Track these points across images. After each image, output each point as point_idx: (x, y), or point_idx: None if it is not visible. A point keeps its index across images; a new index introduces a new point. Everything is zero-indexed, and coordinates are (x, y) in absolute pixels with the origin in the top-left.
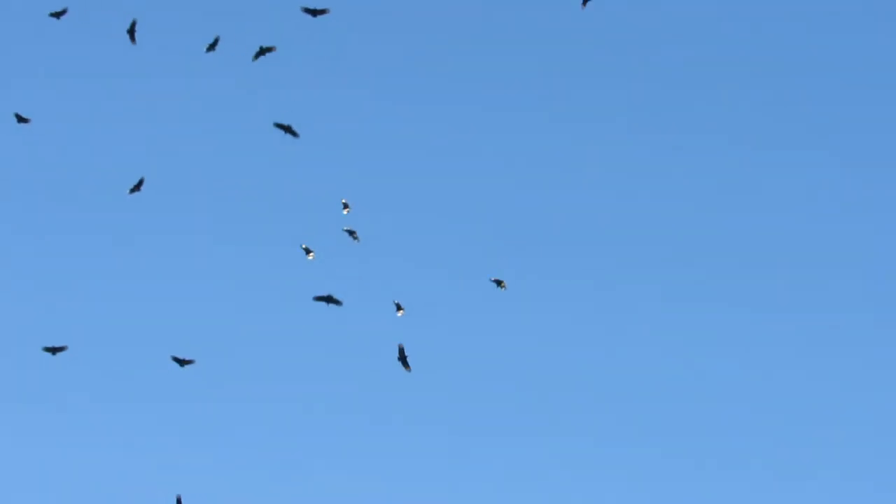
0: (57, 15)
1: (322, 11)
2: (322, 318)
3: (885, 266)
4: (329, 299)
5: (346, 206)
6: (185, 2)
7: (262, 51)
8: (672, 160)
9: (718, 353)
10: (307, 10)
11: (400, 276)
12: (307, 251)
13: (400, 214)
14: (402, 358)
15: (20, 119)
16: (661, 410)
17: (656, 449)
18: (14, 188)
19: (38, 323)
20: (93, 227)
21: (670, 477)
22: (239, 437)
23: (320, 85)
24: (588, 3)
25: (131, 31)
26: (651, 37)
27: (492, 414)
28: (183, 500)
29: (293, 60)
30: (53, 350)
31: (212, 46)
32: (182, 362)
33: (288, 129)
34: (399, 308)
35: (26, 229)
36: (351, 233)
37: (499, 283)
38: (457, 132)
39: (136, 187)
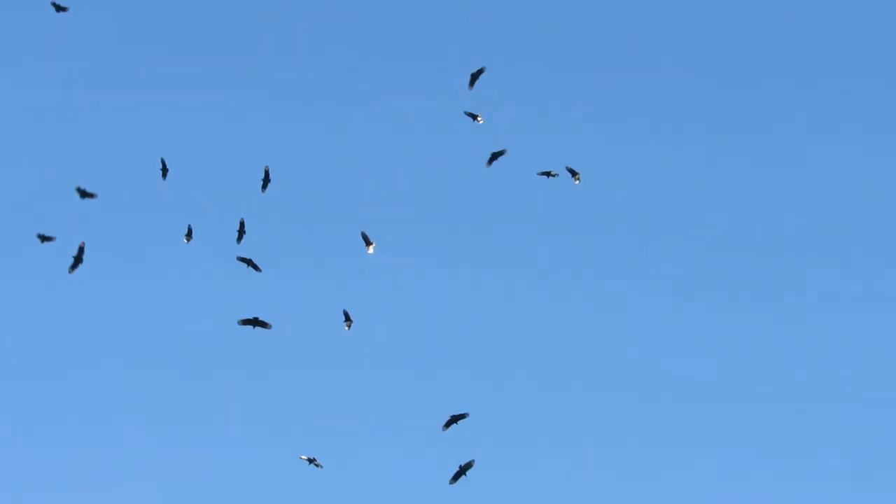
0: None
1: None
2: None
3: None
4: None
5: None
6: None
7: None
8: (673, 158)
9: (718, 353)
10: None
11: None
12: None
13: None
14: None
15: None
16: (663, 411)
17: (658, 450)
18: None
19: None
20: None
21: (672, 478)
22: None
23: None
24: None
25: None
26: (647, 37)
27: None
28: None
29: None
30: None
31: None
32: (44, 238)
33: (250, 262)
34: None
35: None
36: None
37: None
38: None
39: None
